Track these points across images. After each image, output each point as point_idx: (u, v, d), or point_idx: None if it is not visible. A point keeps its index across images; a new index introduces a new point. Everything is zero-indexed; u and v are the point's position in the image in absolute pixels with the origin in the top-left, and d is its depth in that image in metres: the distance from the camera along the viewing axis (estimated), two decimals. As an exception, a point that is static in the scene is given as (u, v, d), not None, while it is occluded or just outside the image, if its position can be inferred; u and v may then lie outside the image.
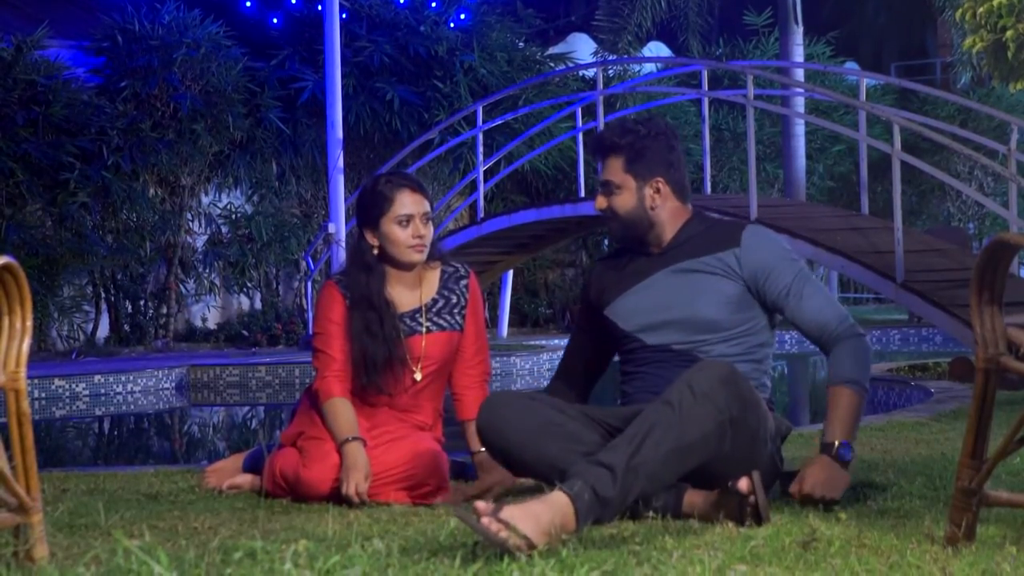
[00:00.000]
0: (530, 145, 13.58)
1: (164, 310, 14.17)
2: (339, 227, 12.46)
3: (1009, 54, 10.37)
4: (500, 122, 13.04)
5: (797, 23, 16.08)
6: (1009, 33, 10.30)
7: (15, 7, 14.80)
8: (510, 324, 15.53)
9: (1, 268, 2.69)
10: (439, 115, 14.88)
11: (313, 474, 3.88)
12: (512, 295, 15.55)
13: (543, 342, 13.46)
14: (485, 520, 2.77)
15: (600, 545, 2.94)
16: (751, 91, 9.70)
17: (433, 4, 15.56)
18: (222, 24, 14.23)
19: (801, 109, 14.81)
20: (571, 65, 16.31)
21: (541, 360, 11.87)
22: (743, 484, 3.22)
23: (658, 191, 3.71)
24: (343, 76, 13.37)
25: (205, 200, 14.87)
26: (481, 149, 12.45)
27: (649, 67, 16.46)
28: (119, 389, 10.65)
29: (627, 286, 3.76)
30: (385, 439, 3.96)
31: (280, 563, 2.56)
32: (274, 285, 15.40)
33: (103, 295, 13.85)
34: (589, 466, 3.06)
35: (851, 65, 20.02)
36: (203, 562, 2.62)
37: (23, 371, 2.76)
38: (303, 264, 14.55)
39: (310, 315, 13.03)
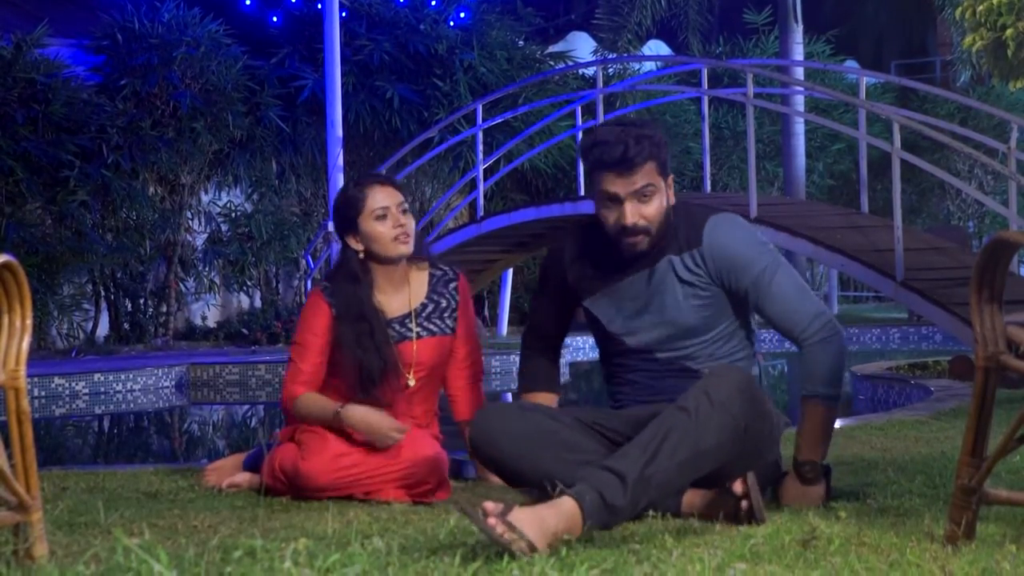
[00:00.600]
0: (530, 143, 13.57)
1: (164, 308, 14.17)
2: (339, 226, 12.44)
3: (1009, 52, 10.34)
4: (500, 120, 13.02)
5: (797, 21, 16.08)
6: (1009, 31, 10.28)
7: (15, 5, 14.80)
8: (510, 322, 15.52)
9: (1, 266, 2.68)
10: (439, 113, 14.88)
11: (312, 466, 3.88)
12: (512, 293, 15.55)
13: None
14: (491, 520, 2.77)
15: (600, 544, 2.94)
16: (751, 89, 9.68)
17: (433, 2, 15.55)
18: (222, 22, 14.24)
19: (801, 107, 14.82)
20: (571, 63, 16.30)
21: (541, 359, 11.83)
22: (738, 486, 3.22)
23: (671, 187, 3.65)
24: (343, 74, 13.37)
25: (205, 198, 14.88)
26: (481, 147, 12.43)
27: (649, 65, 16.42)
28: (119, 387, 10.65)
29: (605, 283, 3.68)
30: (385, 438, 3.96)
31: (280, 561, 2.56)
32: (274, 283, 15.40)
33: (103, 293, 13.85)
34: (599, 472, 3.05)
35: (851, 63, 20.01)
36: (203, 560, 2.61)
37: (23, 369, 2.76)
38: (303, 262, 14.56)
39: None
